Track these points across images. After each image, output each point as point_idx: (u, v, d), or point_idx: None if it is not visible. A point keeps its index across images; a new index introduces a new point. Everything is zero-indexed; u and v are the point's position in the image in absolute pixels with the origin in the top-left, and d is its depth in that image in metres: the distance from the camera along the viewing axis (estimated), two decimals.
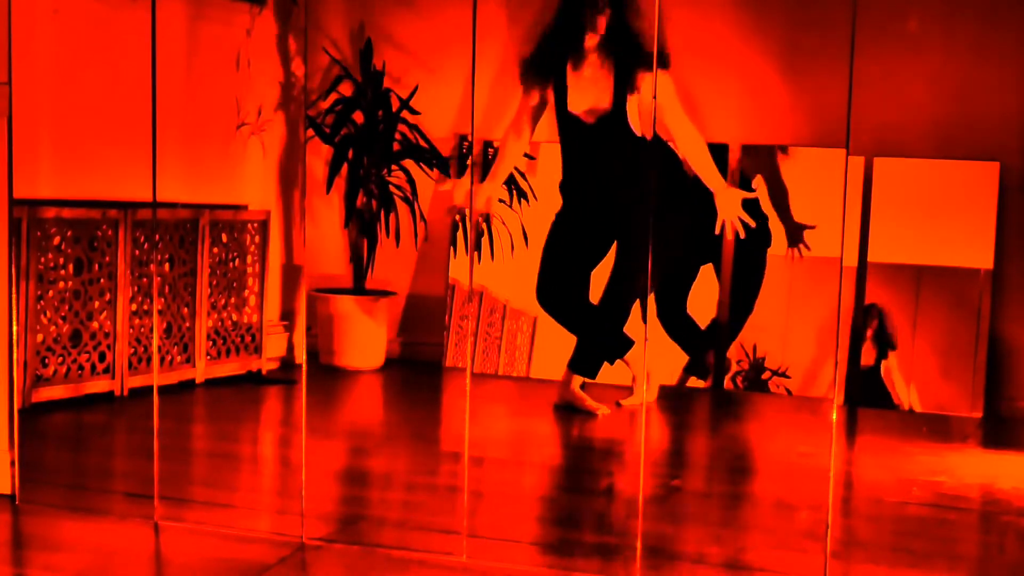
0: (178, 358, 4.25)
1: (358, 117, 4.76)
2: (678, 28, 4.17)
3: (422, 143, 4.78)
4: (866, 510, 3.00)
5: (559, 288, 4.07)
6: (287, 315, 4.92)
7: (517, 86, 4.07)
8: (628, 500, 2.95)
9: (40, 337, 3.74)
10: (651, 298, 4.48)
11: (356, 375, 4.66)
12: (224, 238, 4.42)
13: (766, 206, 4.43)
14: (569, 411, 4.06)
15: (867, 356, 4.32)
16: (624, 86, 3.88)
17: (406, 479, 3.22)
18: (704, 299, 4.53)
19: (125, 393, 4.00)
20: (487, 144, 4.81)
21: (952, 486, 3.19)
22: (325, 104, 4.85)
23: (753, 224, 3.89)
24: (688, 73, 4.23)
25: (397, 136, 4.75)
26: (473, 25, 2.66)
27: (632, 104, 3.91)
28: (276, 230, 4.86)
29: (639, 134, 3.92)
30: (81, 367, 3.89)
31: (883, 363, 4.29)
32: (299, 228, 4.98)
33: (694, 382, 4.51)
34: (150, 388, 2.85)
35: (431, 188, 4.85)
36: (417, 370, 4.83)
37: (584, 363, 4.09)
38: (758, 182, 4.43)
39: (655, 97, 2.66)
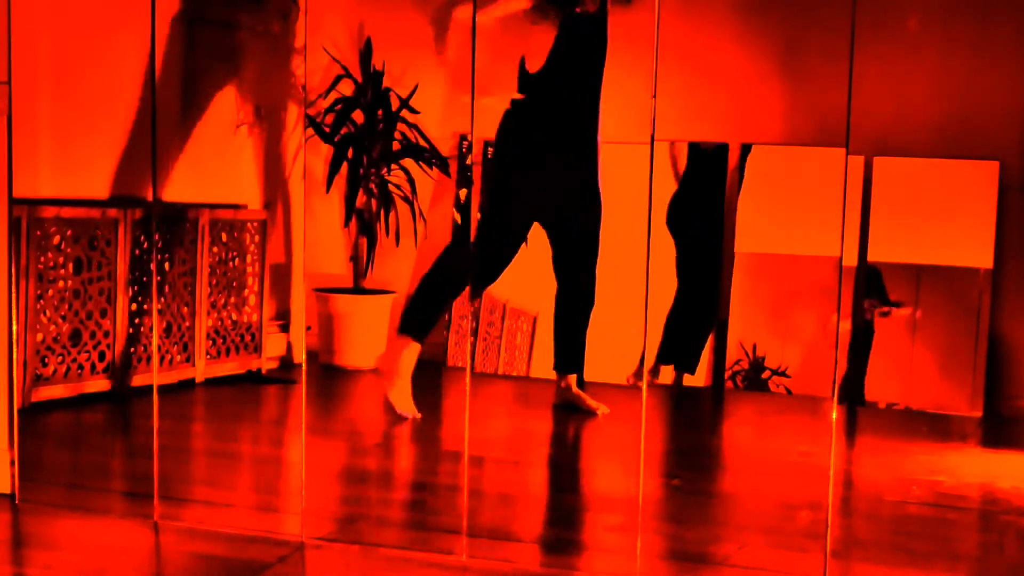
0: (178, 357, 4.24)
1: (358, 116, 4.76)
2: (677, 27, 4.16)
3: (422, 143, 4.78)
4: (866, 509, 3.00)
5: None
6: (283, 315, 4.91)
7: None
8: (627, 499, 2.95)
9: (40, 336, 3.74)
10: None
11: (356, 374, 4.66)
12: (224, 237, 4.42)
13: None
14: (569, 410, 4.05)
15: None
16: None
17: (406, 478, 3.22)
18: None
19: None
20: (487, 144, 4.81)
21: (952, 485, 3.19)
22: (325, 103, 4.85)
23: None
24: (687, 71, 4.23)
25: (397, 135, 4.75)
26: (473, 24, 2.66)
27: None
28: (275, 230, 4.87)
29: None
30: (81, 366, 3.88)
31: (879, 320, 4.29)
32: (292, 227, 4.98)
33: (689, 379, 4.51)
34: (150, 387, 2.85)
35: (431, 187, 4.84)
36: (417, 369, 4.81)
37: (564, 361, 4.08)
38: None
39: (655, 96, 2.65)
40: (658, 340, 4.52)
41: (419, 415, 3.76)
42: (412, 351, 3.79)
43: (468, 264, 3.89)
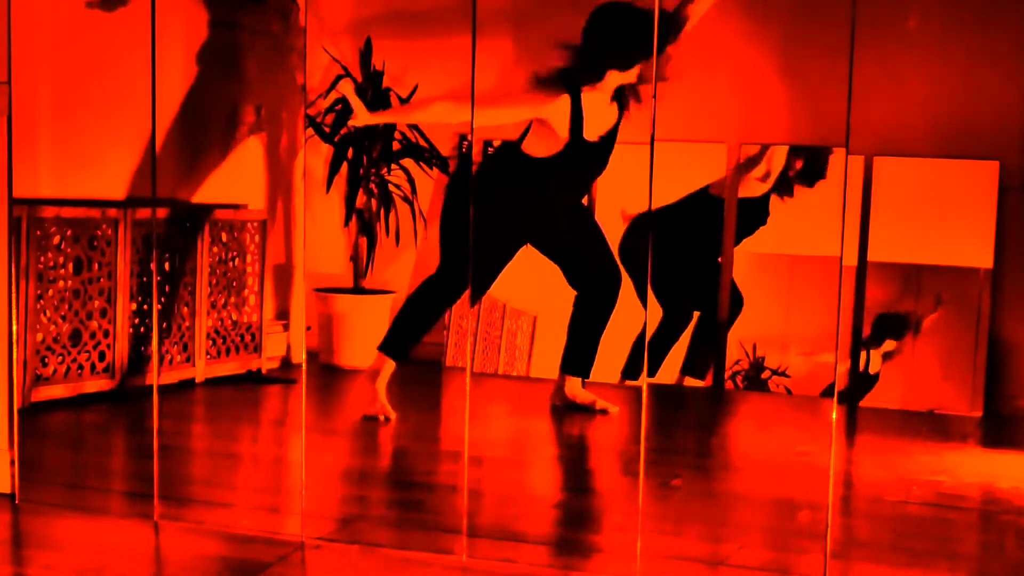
0: (178, 357, 4.24)
1: None
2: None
3: (422, 142, 4.78)
4: (866, 509, 3.00)
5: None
6: (282, 315, 4.91)
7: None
8: (628, 499, 2.95)
9: (40, 336, 3.74)
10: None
11: (356, 374, 4.65)
12: (224, 238, 4.42)
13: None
14: (569, 410, 4.04)
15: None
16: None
17: (406, 478, 3.22)
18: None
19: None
20: (487, 144, 4.81)
21: (952, 485, 3.19)
22: (325, 103, 4.85)
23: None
24: (687, 71, 4.23)
25: (397, 135, 4.75)
26: (473, 24, 2.66)
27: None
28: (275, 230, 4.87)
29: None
30: (81, 367, 3.88)
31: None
32: (288, 227, 4.98)
33: (690, 379, 4.51)
34: (150, 387, 2.85)
35: (431, 187, 4.84)
36: (417, 369, 4.82)
37: (575, 363, 4.04)
38: None
39: (655, 97, 2.65)
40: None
41: (393, 414, 3.76)
42: (388, 366, 3.83)
43: (452, 292, 3.89)
